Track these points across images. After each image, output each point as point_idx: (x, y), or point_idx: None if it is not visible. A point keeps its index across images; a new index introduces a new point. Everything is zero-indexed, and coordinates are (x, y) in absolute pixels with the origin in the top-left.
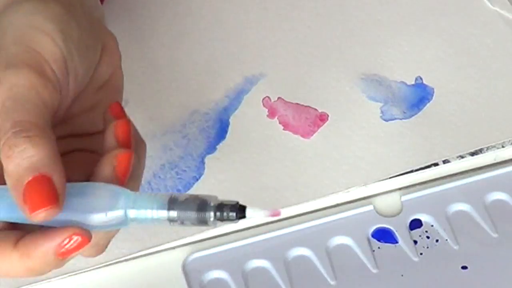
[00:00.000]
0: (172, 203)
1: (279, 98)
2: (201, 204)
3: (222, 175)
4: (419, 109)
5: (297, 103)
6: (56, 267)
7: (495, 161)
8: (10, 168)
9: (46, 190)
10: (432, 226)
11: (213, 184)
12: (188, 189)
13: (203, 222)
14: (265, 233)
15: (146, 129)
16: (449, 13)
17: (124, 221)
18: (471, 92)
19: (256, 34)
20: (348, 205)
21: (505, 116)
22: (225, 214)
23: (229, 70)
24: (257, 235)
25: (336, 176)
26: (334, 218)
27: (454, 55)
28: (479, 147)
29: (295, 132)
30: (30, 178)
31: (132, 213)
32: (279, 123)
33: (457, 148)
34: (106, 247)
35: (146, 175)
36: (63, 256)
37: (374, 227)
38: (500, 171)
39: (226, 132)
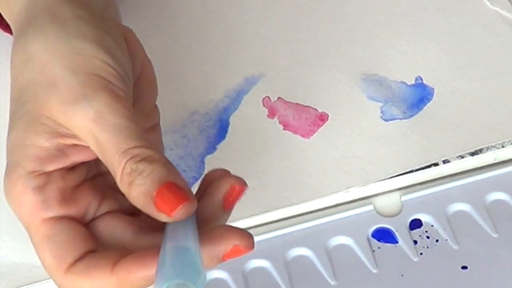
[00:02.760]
0: None
1: (279, 98)
2: None
3: None
4: (419, 109)
5: (297, 103)
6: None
7: (495, 161)
8: (137, 191)
9: (176, 191)
10: (432, 226)
11: None
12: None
13: None
14: (265, 233)
15: None
16: (449, 13)
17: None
18: (471, 92)
19: (256, 34)
20: (348, 205)
21: (505, 116)
22: None
23: (229, 70)
24: (257, 235)
25: (336, 176)
26: (334, 218)
27: (454, 55)
28: (479, 147)
29: (295, 132)
30: (157, 190)
31: None
32: (279, 123)
33: (457, 148)
34: None
35: None
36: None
37: (374, 227)
38: (500, 171)
39: (226, 132)
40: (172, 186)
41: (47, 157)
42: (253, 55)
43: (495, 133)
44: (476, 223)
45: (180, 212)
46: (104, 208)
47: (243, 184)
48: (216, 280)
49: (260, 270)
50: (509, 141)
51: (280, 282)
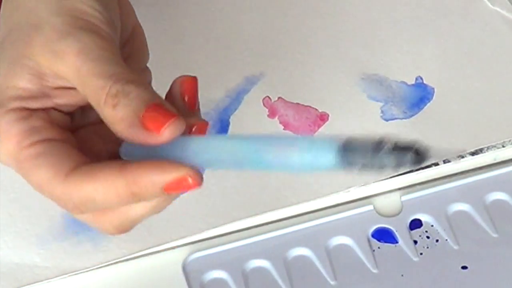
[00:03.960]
0: (347, 147)
1: (279, 98)
2: (377, 146)
3: (222, 175)
4: (420, 109)
5: (298, 103)
6: (161, 199)
7: (495, 161)
8: (121, 112)
9: (163, 111)
10: (432, 226)
11: (213, 184)
12: None
13: (379, 165)
14: (265, 233)
15: None
16: (449, 13)
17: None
18: (471, 92)
19: (256, 34)
20: (348, 205)
21: (505, 116)
22: (402, 155)
23: (229, 70)
24: (257, 235)
25: (336, 176)
26: (334, 218)
27: (454, 55)
28: (479, 147)
29: (296, 132)
30: (144, 110)
31: (306, 158)
32: (280, 123)
33: (457, 148)
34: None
35: None
36: (168, 192)
37: (374, 227)
38: (500, 171)
39: (226, 132)
40: (159, 107)
41: (30, 97)
42: (253, 55)
43: (495, 133)
44: (476, 223)
45: (169, 129)
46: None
47: (192, 76)
48: (216, 280)
49: (260, 270)
50: (509, 141)
51: (280, 282)
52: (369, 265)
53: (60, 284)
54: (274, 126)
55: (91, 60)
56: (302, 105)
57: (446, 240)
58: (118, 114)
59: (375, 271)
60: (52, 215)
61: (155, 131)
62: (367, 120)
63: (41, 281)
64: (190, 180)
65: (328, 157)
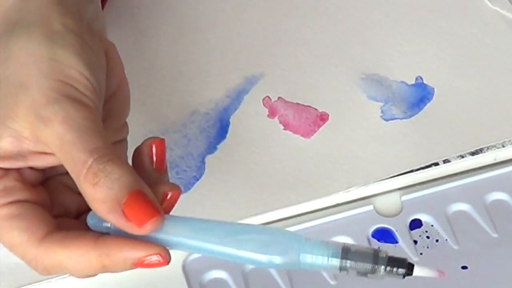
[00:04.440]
0: (346, 253)
1: (279, 98)
2: (373, 257)
3: (222, 175)
4: (420, 109)
5: (297, 103)
6: (126, 270)
7: (495, 161)
8: (101, 194)
9: (145, 203)
10: (432, 226)
11: (213, 184)
12: (189, 189)
13: (372, 273)
14: None
15: (146, 129)
16: (449, 13)
17: (297, 264)
18: (471, 92)
19: (256, 34)
20: (348, 205)
21: (505, 116)
22: (394, 269)
23: (229, 70)
24: None
25: (336, 176)
26: (334, 218)
27: (454, 55)
28: (479, 147)
29: (296, 132)
30: (126, 197)
31: (306, 258)
32: (280, 123)
33: (457, 147)
34: None
35: None
36: (137, 267)
37: (374, 227)
38: (500, 171)
39: (226, 132)
40: (141, 196)
41: (6, 158)
42: (253, 55)
43: (495, 133)
44: (476, 223)
45: (150, 226)
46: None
47: (160, 139)
48: (216, 280)
49: (260, 270)
50: (509, 141)
51: (280, 282)
52: None
53: (60, 284)
54: (274, 126)
55: (74, 131)
56: (302, 105)
57: (446, 240)
58: (98, 195)
59: None
60: None
61: (136, 225)
62: (367, 120)
63: (41, 281)
64: (159, 258)
65: (328, 261)
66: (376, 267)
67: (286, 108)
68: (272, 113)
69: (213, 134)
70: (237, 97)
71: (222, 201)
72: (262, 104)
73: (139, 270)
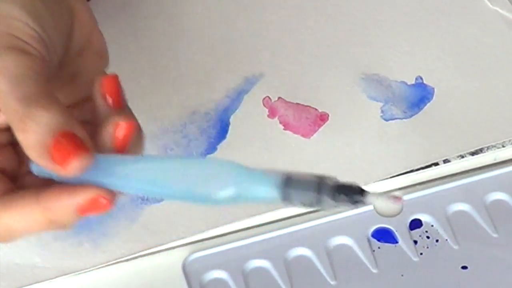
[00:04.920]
0: (288, 182)
1: (279, 98)
2: (318, 185)
3: None
4: (420, 109)
5: (298, 103)
6: (75, 220)
7: (495, 161)
8: (30, 139)
9: (73, 142)
10: (432, 226)
11: None
12: None
13: (318, 203)
14: (265, 233)
15: (146, 129)
16: (449, 13)
17: (236, 198)
18: (471, 91)
19: (256, 34)
20: None
21: (505, 116)
22: (343, 197)
23: (230, 70)
24: (257, 235)
25: (336, 176)
26: (334, 218)
27: (454, 55)
28: (479, 147)
29: (296, 132)
30: (53, 139)
31: (246, 191)
32: (280, 123)
33: (457, 147)
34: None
35: None
36: (82, 214)
37: (374, 227)
38: (500, 171)
39: (226, 132)
40: (67, 136)
41: None
42: (253, 55)
43: (495, 133)
44: (476, 223)
45: (74, 166)
46: None
47: (112, 75)
48: (216, 280)
49: (260, 270)
50: (509, 141)
51: (280, 282)
52: (369, 265)
53: (60, 284)
54: (274, 126)
55: (9, 80)
56: (302, 105)
57: (446, 240)
58: (27, 141)
59: (375, 271)
60: None
61: (61, 166)
62: (367, 120)
63: (41, 281)
64: (103, 200)
65: (268, 192)
66: (322, 196)
67: (286, 108)
68: (272, 113)
69: (213, 134)
70: (237, 97)
71: None
72: (262, 104)
73: (139, 270)
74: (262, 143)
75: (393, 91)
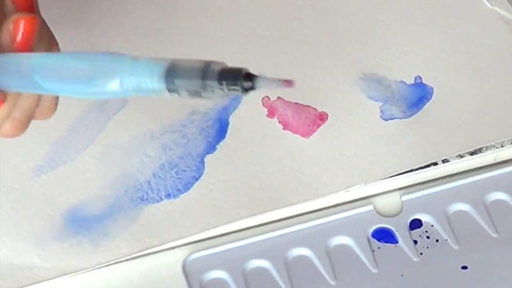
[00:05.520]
0: (172, 71)
1: (278, 97)
2: (203, 71)
3: (222, 174)
4: (419, 109)
5: (297, 103)
6: None
7: (495, 161)
8: None
9: None
10: (432, 226)
11: (213, 183)
12: (188, 189)
13: (204, 90)
14: (265, 233)
15: (145, 129)
16: (448, 13)
17: (121, 91)
18: (470, 91)
19: (256, 34)
20: (348, 205)
21: (505, 116)
22: (231, 83)
23: None
24: (257, 235)
25: (336, 175)
26: (334, 218)
27: (453, 55)
28: (479, 147)
29: (295, 132)
30: None
31: (128, 82)
32: (279, 122)
33: (456, 147)
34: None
35: (146, 175)
36: None
37: (374, 227)
38: (500, 171)
39: (225, 131)
40: None
41: None
42: (253, 54)
43: (495, 133)
44: (476, 223)
45: None
46: None
47: None
48: (216, 280)
49: (260, 270)
50: (509, 141)
51: (280, 282)
52: (369, 265)
53: (60, 284)
54: (274, 126)
55: None
56: (301, 104)
57: (446, 240)
58: None
59: (375, 271)
60: (52, 216)
61: None
62: (366, 120)
63: (41, 281)
64: None
65: (153, 82)
66: (207, 82)
67: (285, 108)
68: (271, 113)
69: (212, 134)
70: (236, 97)
71: (221, 201)
72: (261, 104)
73: (139, 270)
74: (261, 143)
75: (392, 91)
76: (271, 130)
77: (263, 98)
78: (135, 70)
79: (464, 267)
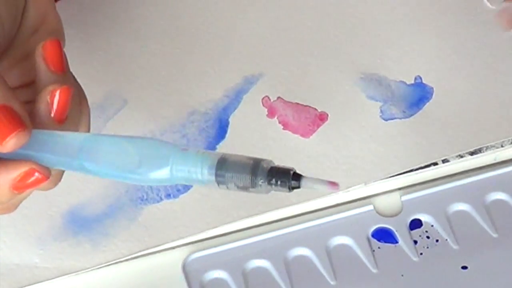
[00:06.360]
0: (222, 164)
1: (278, 97)
2: (253, 168)
3: None
4: (419, 109)
5: (297, 103)
6: (11, 200)
7: (495, 161)
8: None
9: (10, 117)
10: (432, 226)
11: None
12: (188, 189)
13: (253, 187)
14: (265, 233)
15: (145, 129)
16: (449, 12)
17: (170, 179)
18: (470, 91)
19: (255, 34)
20: (348, 205)
21: (505, 116)
22: (279, 181)
23: (229, 69)
24: (257, 235)
25: (336, 175)
26: (334, 218)
27: (453, 55)
28: (479, 147)
29: (295, 132)
30: None
31: (179, 172)
32: (279, 122)
33: (456, 147)
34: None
35: None
36: (18, 190)
37: (374, 227)
38: (500, 171)
39: (225, 132)
40: (6, 111)
41: None
42: (253, 54)
43: (495, 133)
44: (476, 223)
45: (11, 142)
46: None
47: (53, 40)
48: (216, 280)
49: (260, 270)
50: (509, 141)
51: (280, 282)
52: (369, 265)
53: (59, 284)
54: (274, 126)
55: None
56: (301, 104)
57: (446, 240)
58: None
59: (375, 271)
60: (52, 216)
61: None
62: (366, 120)
63: (41, 281)
64: (38, 175)
65: (203, 174)
66: (256, 179)
67: (285, 108)
68: (271, 113)
69: (212, 134)
70: (236, 97)
71: (222, 201)
72: (261, 104)
73: (138, 270)
74: (261, 143)
75: (392, 91)
76: (271, 130)
77: (263, 98)
78: (185, 161)
79: (464, 267)
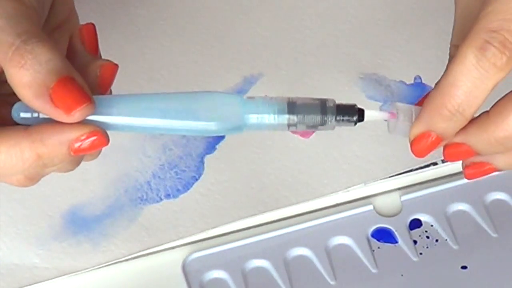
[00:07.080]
0: (292, 107)
1: None
2: (321, 107)
3: (221, 175)
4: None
5: None
6: (65, 161)
7: None
8: (27, 77)
9: (75, 89)
10: (432, 226)
11: (212, 184)
12: (188, 189)
13: (322, 124)
14: (265, 233)
15: None
16: (448, 12)
17: (242, 126)
18: None
19: (255, 34)
20: (348, 205)
21: None
22: (345, 117)
23: (228, 70)
24: (257, 235)
25: (336, 175)
26: (334, 218)
27: None
28: None
29: (295, 132)
30: (55, 82)
31: (251, 119)
32: None
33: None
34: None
35: (146, 175)
36: (75, 153)
37: (374, 227)
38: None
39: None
40: (70, 82)
41: None
42: (252, 54)
43: None
44: (476, 223)
45: (79, 113)
46: None
47: (89, 24)
48: (216, 280)
49: (260, 270)
50: None
51: (280, 282)
52: (369, 265)
53: (59, 284)
54: None
55: (7, 18)
56: None
57: (446, 240)
58: (24, 78)
59: (375, 271)
60: (52, 216)
61: (64, 112)
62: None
63: (41, 281)
64: (97, 137)
65: (276, 118)
66: (326, 117)
67: None
68: None
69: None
70: None
71: (221, 201)
72: None
73: (138, 270)
74: (261, 143)
75: (392, 91)
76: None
77: None
78: (256, 108)
79: (464, 267)
